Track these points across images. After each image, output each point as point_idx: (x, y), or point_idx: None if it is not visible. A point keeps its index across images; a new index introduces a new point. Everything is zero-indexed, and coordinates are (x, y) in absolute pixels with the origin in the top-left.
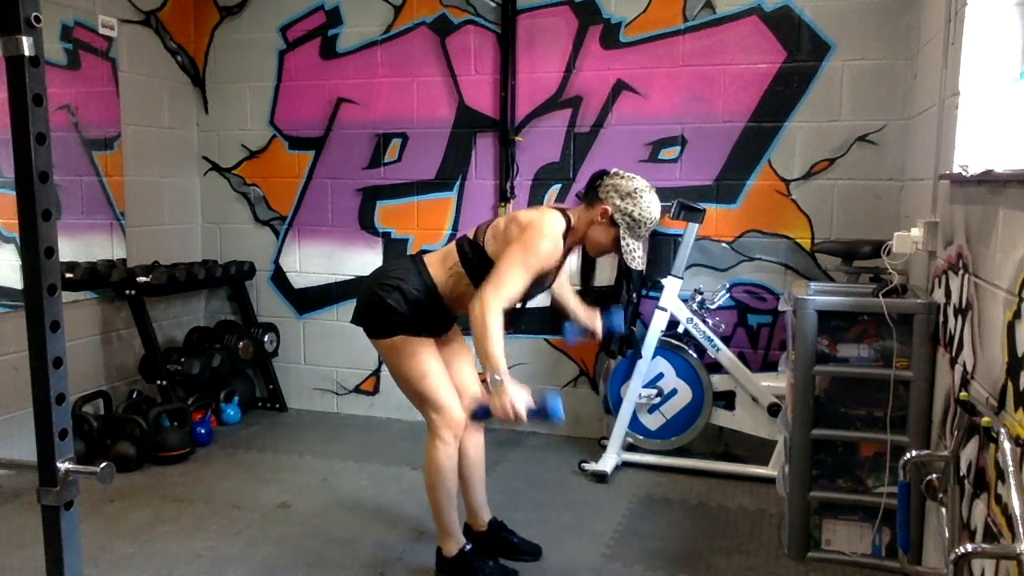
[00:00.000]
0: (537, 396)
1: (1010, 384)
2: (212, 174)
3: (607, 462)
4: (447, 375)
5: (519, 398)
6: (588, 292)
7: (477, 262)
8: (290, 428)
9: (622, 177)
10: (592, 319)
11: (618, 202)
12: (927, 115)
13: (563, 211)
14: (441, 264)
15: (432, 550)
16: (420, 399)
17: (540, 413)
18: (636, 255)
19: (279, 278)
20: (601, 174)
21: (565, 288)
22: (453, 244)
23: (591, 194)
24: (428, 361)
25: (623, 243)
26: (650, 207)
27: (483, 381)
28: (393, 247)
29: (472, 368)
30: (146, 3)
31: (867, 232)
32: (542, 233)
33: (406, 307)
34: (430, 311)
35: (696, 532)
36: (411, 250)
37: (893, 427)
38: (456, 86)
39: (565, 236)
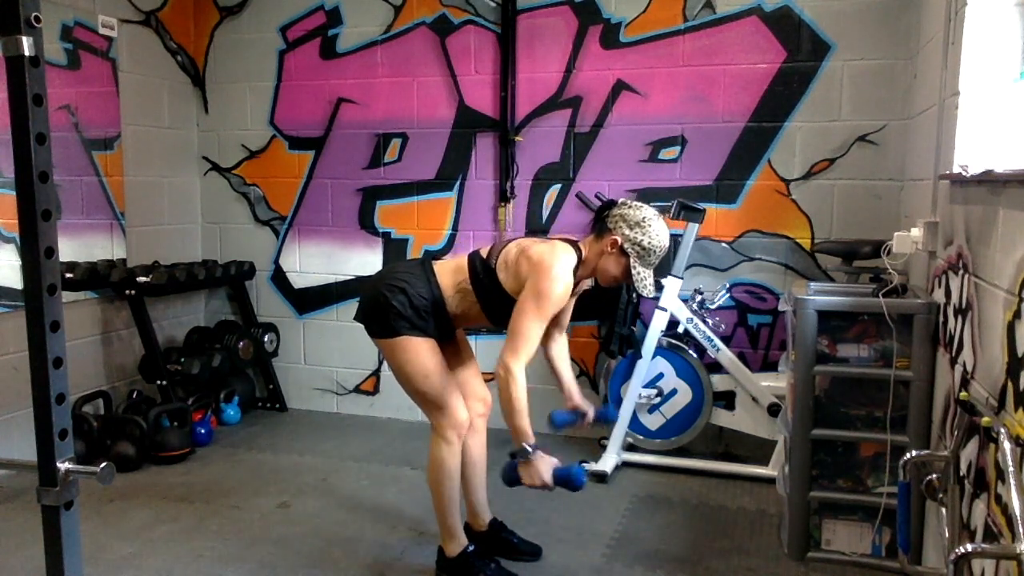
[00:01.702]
0: (563, 465)
1: (1010, 384)
2: (212, 174)
3: (607, 462)
4: (449, 375)
5: (546, 469)
6: (592, 295)
7: (488, 284)
8: (290, 428)
9: (629, 207)
10: (585, 402)
11: (627, 232)
12: (927, 115)
13: (574, 244)
14: (451, 276)
15: (432, 550)
16: (423, 399)
17: (565, 481)
18: (647, 283)
19: (279, 278)
20: (609, 204)
21: (562, 355)
22: (465, 258)
23: (600, 225)
24: (430, 361)
25: (634, 272)
26: (659, 235)
27: (511, 456)
28: (393, 247)
29: (476, 368)
30: (146, 3)
31: (867, 232)
32: (555, 278)
33: (410, 311)
34: (434, 319)
35: (696, 532)
36: (411, 250)
37: (893, 427)
38: (456, 86)
39: (576, 270)
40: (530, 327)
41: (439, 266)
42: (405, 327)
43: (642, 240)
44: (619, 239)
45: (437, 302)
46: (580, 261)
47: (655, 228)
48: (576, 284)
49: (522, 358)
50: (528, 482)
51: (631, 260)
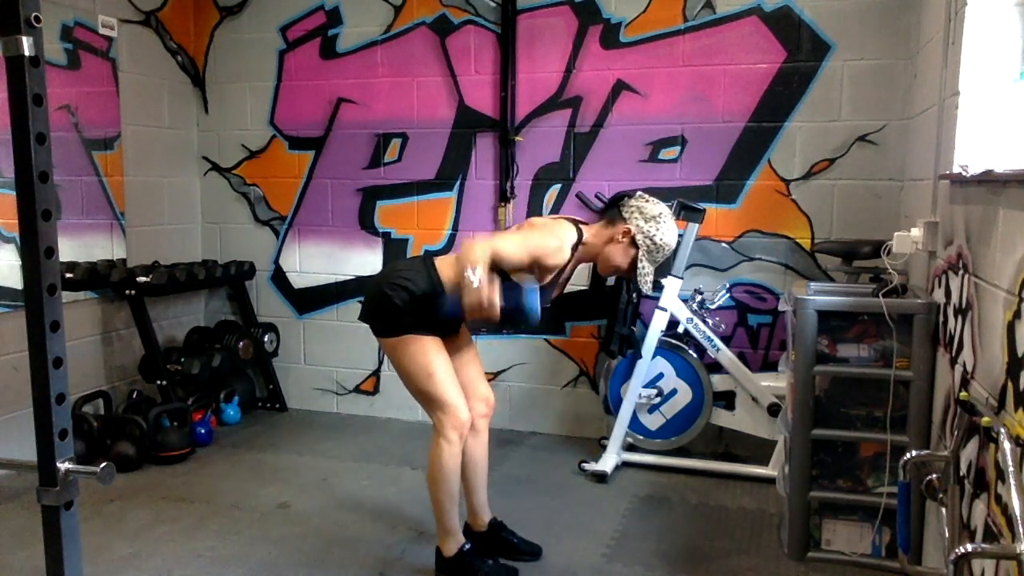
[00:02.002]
0: (512, 291)
1: (1010, 384)
2: (212, 174)
3: (607, 462)
4: (453, 374)
5: (494, 289)
6: (593, 292)
7: None
8: (290, 428)
9: (647, 200)
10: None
11: (642, 224)
12: (927, 115)
13: (577, 225)
14: (452, 268)
15: (432, 550)
16: (425, 398)
17: (515, 309)
18: (648, 279)
19: (279, 278)
20: (625, 194)
21: None
22: None
23: (612, 212)
24: (434, 360)
25: (639, 265)
26: (670, 234)
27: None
28: (393, 247)
29: (480, 368)
30: (146, 3)
31: (867, 232)
32: (551, 232)
33: (413, 307)
34: (437, 314)
35: (696, 532)
36: (411, 250)
37: (893, 427)
38: (456, 86)
39: (574, 248)
40: (510, 240)
41: (440, 261)
42: (409, 325)
43: (655, 236)
44: (632, 229)
45: (440, 295)
46: (580, 241)
47: (668, 227)
48: (573, 263)
49: (494, 246)
50: (474, 300)
51: (639, 253)
